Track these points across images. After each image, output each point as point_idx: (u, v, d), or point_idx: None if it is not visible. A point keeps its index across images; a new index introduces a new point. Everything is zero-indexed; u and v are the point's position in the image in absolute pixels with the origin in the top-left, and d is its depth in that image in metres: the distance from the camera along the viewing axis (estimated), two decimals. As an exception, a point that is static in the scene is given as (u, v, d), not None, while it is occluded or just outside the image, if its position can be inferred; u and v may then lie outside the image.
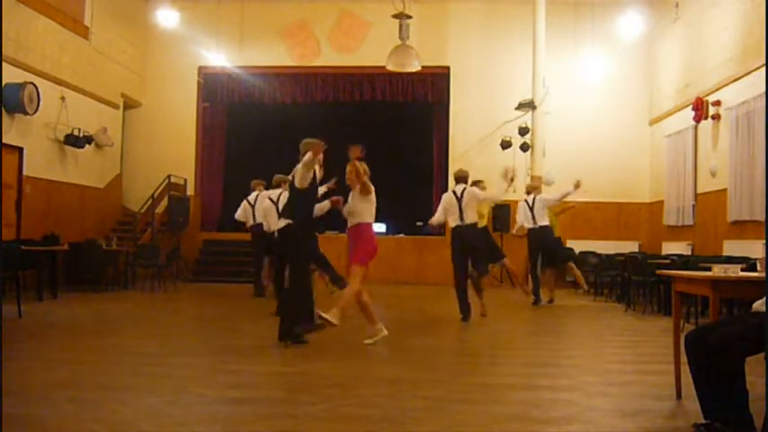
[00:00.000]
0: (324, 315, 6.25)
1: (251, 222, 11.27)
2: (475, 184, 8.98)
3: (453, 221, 8.59)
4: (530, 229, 10.80)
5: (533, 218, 10.70)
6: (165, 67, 16.27)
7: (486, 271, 8.87)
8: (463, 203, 8.52)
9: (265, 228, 9.67)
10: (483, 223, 9.06)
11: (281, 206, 8.71)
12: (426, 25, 15.50)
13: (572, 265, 11.26)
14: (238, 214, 11.55)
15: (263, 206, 9.93)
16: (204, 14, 15.96)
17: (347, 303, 6.44)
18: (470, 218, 8.51)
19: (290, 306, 6.46)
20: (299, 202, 6.50)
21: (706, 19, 12.53)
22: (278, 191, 9.22)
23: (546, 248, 10.83)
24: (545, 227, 10.73)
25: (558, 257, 11.06)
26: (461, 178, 8.78)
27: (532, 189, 11.22)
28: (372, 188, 6.53)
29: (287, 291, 6.52)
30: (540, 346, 7.10)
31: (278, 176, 9.41)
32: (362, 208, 6.56)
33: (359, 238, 6.56)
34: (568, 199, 11.15)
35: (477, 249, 8.63)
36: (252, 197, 11.35)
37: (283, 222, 6.63)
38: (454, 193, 8.64)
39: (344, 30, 16.13)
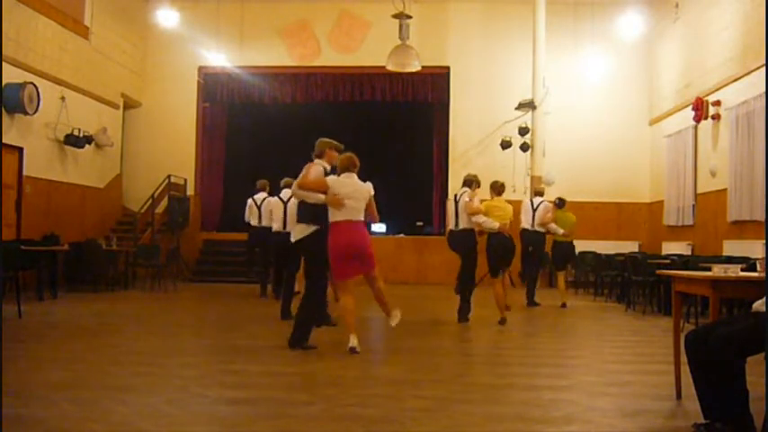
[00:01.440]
0: (352, 345, 6.00)
1: (255, 223, 11.31)
2: (498, 190, 8.86)
3: (451, 225, 8.63)
4: (524, 230, 10.68)
5: (532, 220, 10.67)
6: (165, 67, 16.28)
7: (494, 275, 8.72)
8: (459, 208, 8.56)
9: (275, 228, 9.37)
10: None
11: (289, 208, 8.67)
12: (426, 25, 15.50)
13: (560, 276, 11.12)
14: (246, 215, 11.60)
15: (273, 208, 9.79)
16: (204, 14, 15.96)
17: (346, 318, 6.26)
18: (464, 223, 8.50)
19: (310, 313, 6.27)
20: (321, 207, 6.19)
21: (706, 19, 12.54)
22: (287, 192, 8.85)
23: (535, 253, 10.77)
24: (540, 233, 10.69)
25: (542, 262, 11.00)
26: (465, 182, 8.77)
27: (539, 193, 11.18)
28: (309, 186, 6.13)
29: (307, 297, 6.41)
30: (540, 346, 7.10)
31: (287, 179, 9.03)
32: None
33: None
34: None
35: (463, 254, 8.56)
36: (258, 198, 11.34)
37: (311, 228, 6.29)
38: (455, 196, 8.70)
39: (344, 30, 16.12)
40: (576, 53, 15.39)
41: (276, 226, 9.20)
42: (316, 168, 6.30)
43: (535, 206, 10.72)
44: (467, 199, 8.52)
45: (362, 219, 6.22)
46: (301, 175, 6.28)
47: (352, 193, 6.14)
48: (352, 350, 5.96)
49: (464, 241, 8.55)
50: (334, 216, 6.11)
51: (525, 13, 14.79)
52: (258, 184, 11.51)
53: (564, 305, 10.55)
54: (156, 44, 16.14)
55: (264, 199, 11.07)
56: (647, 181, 15.77)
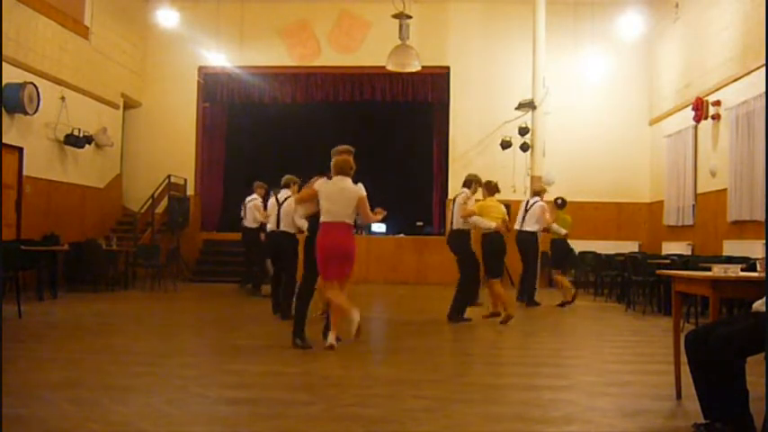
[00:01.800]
0: (330, 341, 6.15)
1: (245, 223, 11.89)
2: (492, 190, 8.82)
3: (448, 226, 8.61)
4: (517, 231, 10.61)
5: (523, 220, 10.58)
6: (165, 67, 16.28)
7: (493, 275, 8.63)
8: (454, 208, 8.54)
9: (269, 228, 9.31)
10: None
11: (284, 208, 8.73)
12: (426, 25, 15.49)
13: (558, 274, 11.06)
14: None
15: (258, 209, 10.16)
16: (204, 14, 15.95)
17: (335, 315, 6.38)
18: (458, 224, 8.50)
19: (303, 306, 6.49)
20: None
21: (706, 19, 12.54)
22: (285, 192, 8.89)
23: (523, 254, 10.69)
24: (530, 232, 10.54)
25: (533, 264, 10.87)
26: (465, 182, 8.73)
27: (537, 192, 11.09)
28: (299, 200, 6.73)
29: (300, 290, 6.62)
30: (540, 346, 7.10)
31: (288, 177, 8.98)
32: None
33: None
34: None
35: (458, 258, 8.61)
36: (247, 199, 11.80)
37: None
38: (455, 197, 8.68)
39: (344, 30, 16.12)
40: (576, 53, 15.39)
41: (270, 226, 9.22)
42: (317, 183, 6.47)
43: (528, 206, 10.65)
44: (461, 201, 8.51)
45: (347, 221, 6.29)
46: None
47: (334, 194, 6.23)
48: (330, 347, 6.07)
49: (457, 242, 8.53)
50: (322, 217, 6.29)
51: (525, 13, 14.78)
52: (254, 186, 11.80)
53: (562, 304, 10.49)
54: (156, 44, 16.13)
55: (252, 200, 11.56)
56: (647, 181, 15.76)
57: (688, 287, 4.57)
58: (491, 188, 8.77)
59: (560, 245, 11.04)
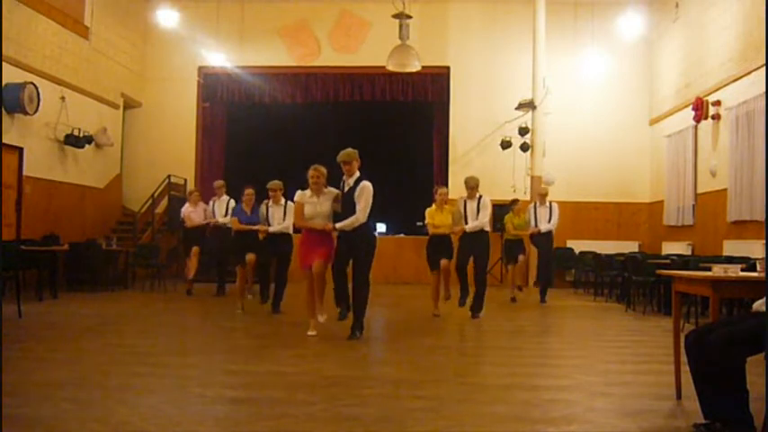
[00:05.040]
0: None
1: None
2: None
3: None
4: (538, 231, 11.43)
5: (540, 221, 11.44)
6: (165, 67, 16.28)
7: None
8: (480, 210, 9.21)
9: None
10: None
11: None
12: (426, 25, 15.50)
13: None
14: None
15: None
16: (204, 14, 15.95)
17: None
18: (484, 225, 9.18)
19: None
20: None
21: (706, 19, 12.54)
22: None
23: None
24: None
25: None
26: (475, 185, 9.28)
27: (544, 195, 11.72)
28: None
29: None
30: (540, 346, 7.10)
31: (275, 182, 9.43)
32: None
33: None
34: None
35: (480, 253, 9.25)
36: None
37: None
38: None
39: (344, 30, 16.12)
40: (575, 53, 15.38)
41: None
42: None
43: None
44: (488, 203, 9.27)
45: None
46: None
47: None
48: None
49: (485, 243, 9.28)
50: None
51: (525, 13, 14.78)
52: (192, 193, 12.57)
53: (513, 299, 11.31)
54: (156, 44, 16.14)
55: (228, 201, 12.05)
56: (647, 181, 15.76)
57: (688, 287, 4.57)
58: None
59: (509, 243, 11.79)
